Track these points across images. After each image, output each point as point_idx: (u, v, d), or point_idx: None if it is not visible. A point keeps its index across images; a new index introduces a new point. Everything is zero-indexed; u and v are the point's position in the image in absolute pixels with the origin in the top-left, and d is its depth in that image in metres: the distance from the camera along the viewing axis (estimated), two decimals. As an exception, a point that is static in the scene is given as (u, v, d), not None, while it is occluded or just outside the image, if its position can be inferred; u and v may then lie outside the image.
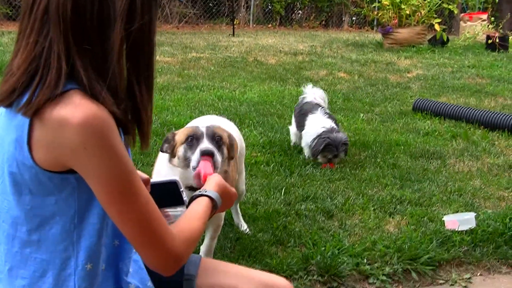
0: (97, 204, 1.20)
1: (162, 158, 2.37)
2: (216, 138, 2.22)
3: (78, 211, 1.22)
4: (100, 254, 1.27)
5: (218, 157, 2.14)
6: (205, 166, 2.02)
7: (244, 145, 3.12)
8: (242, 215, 3.35)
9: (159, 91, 6.74)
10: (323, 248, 3.00)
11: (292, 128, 5.01)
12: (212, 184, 1.53)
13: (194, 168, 2.12)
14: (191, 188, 2.20)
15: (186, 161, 2.19)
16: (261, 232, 3.21)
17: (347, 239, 3.18)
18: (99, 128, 1.09)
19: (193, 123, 2.85)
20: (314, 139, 4.51)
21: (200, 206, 1.42)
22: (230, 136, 2.37)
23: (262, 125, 5.54)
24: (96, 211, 1.23)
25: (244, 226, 3.25)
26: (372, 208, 3.65)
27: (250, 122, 5.62)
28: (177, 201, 1.55)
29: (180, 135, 2.26)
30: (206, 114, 6.15)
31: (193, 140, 2.20)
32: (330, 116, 4.75)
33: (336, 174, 4.32)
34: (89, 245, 1.24)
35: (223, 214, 2.70)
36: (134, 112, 1.23)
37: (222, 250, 2.98)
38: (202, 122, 2.76)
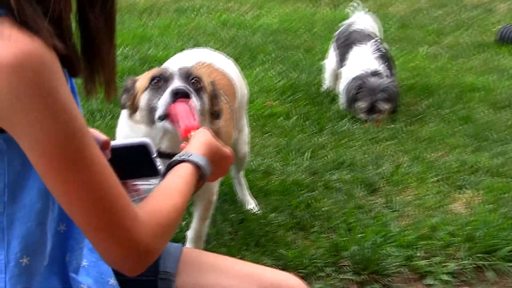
0: (37, 176, 1.21)
1: (123, 115, 2.43)
2: (192, 79, 2.28)
3: (8, 186, 1.24)
4: (42, 245, 1.30)
5: (196, 101, 2.18)
6: (183, 112, 2.01)
7: (246, 91, 3.13)
8: (250, 188, 3.35)
9: (138, 14, 6.78)
10: (361, 236, 2.99)
11: (329, 63, 5.06)
12: (197, 143, 1.55)
13: (161, 118, 2.21)
14: (161, 155, 2.23)
15: (150, 112, 2.28)
16: (275, 211, 3.21)
17: (395, 223, 3.17)
18: (35, 70, 1.11)
19: (170, 61, 2.85)
20: (349, 82, 4.62)
21: (179, 177, 1.44)
22: (213, 84, 2.40)
23: (282, 62, 5.54)
24: (36, 186, 1.25)
25: (251, 203, 3.26)
26: (433, 180, 3.65)
27: (266, 58, 5.62)
28: (150, 170, 1.59)
29: (142, 79, 2.33)
30: (202, 45, 6.14)
31: (160, 81, 2.27)
32: (382, 55, 4.78)
33: (384, 132, 4.32)
34: (26, 232, 1.26)
35: (216, 184, 2.70)
36: (87, 47, 1.26)
37: (219, 236, 2.98)
38: (180, 61, 2.73)
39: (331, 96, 4.90)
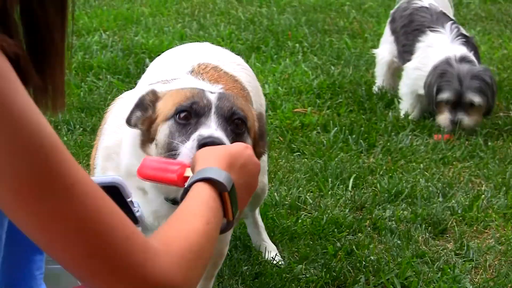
0: None
1: (128, 136, 2.40)
2: (234, 119, 2.26)
3: None
4: None
5: None
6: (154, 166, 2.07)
7: (263, 101, 3.13)
8: (270, 229, 3.35)
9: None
10: None
11: (383, 53, 5.05)
12: (202, 161, 1.66)
13: None
14: (172, 200, 2.27)
15: (169, 153, 2.22)
16: (304, 262, 3.20)
17: (470, 277, 3.16)
18: None
19: (152, 65, 2.85)
20: (429, 75, 4.62)
21: (191, 199, 1.54)
22: (261, 119, 2.41)
23: (318, 51, 5.47)
24: None
25: (270, 251, 3.26)
26: (525, 217, 3.62)
27: (297, 46, 5.53)
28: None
29: (167, 102, 2.31)
30: (210, 28, 6.12)
31: (189, 116, 2.24)
32: (466, 41, 4.78)
33: (457, 149, 4.29)
34: None
35: (229, 234, 2.71)
36: (34, 48, 1.31)
37: None
38: (169, 61, 2.74)
39: (386, 99, 4.88)
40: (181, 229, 1.41)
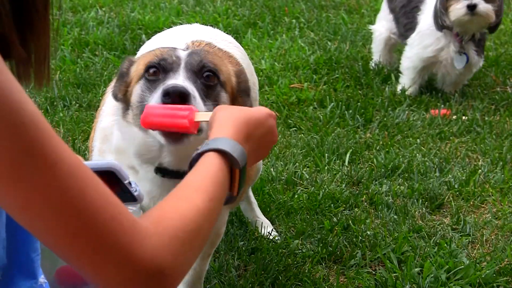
0: None
1: (113, 111, 2.41)
2: (204, 71, 2.27)
3: None
4: None
5: (199, 103, 2.15)
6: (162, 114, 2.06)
7: (256, 79, 3.12)
8: (266, 205, 3.36)
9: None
10: (418, 270, 3.00)
11: (380, 28, 5.06)
12: (219, 123, 1.64)
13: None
14: (161, 170, 2.24)
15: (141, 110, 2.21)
16: (300, 237, 3.23)
17: (466, 252, 3.17)
18: None
19: (168, 37, 2.85)
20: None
21: (198, 173, 1.50)
22: (239, 75, 2.40)
23: (314, 27, 5.49)
24: None
25: (266, 226, 3.28)
26: (522, 191, 3.63)
27: (293, 22, 5.55)
28: (124, 197, 1.63)
29: (139, 63, 2.32)
30: (206, 4, 6.13)
31: (158, 72, 2.25)
32: None
33: (454, 124, 4.31)
34: None
35: (226, 213, 2.69)
36: (18, 17, 1.29)
37: (223, 273, 3.00)
38: (184, 37, 2.73)
39: (383, 74, 4.88)
40: (177, 206, 1.38)
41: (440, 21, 4.61)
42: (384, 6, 5.12)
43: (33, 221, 1.22)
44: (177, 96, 2.08)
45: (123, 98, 2.33)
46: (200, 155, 1.54)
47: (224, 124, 1.64)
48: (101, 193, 1.25)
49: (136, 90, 2.27)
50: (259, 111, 1.75)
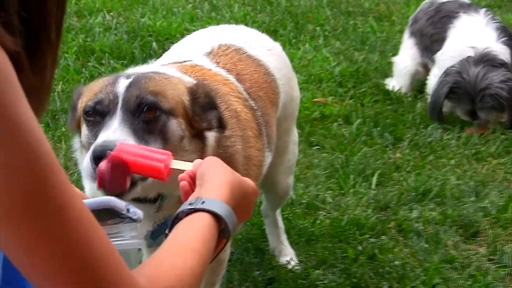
0: None
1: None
2: (142, 107, 2.29)
3: None
4: None
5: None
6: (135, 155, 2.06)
7: (297, 93, 3.08)
8: (285, 231, 3.33)
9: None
10: None
11: (404, 60, 5.00)
12: (212, 183, 1.69)
13: (95, 178, 2.15)
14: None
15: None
16: (322, 267, 3.18)
17: (503, 285, 3.16)
18: None
19: (175, 47, 2.86)
20: (442, 75, 4.59)
21: (191, 231, 1.56)
22: (196, 88, 2.36)
23: (340, 35, 5.47)
24: None
25: (286, 254, 3.26)
26: None
27: (316, 30, 5.56)
28: (124, 219, 1.75)
29: (84, 98, 2.36)
30: (223, 10, 6.09)
31: (95, 115, 2.29)
32: (500, 28, 4.71)
33: (492, 144, 4.27)
34: None
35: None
36: (29, 41, 1.30)
37: None
38: (189, 46, 2.75)
39: (415, 88, 4.88)
40: (174, 265, 1.43)
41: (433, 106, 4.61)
42: (406, 34, 5.10)
43: (34, 266, 1.24)
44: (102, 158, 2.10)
45: (78, 130, 2.39)
46: (191, 211, 1.58)
47: (219, 185, 1.68)
48: (105, 241, 1.30)
49: (83, 131, 2.35)
50: (248, 184, 1.77)
